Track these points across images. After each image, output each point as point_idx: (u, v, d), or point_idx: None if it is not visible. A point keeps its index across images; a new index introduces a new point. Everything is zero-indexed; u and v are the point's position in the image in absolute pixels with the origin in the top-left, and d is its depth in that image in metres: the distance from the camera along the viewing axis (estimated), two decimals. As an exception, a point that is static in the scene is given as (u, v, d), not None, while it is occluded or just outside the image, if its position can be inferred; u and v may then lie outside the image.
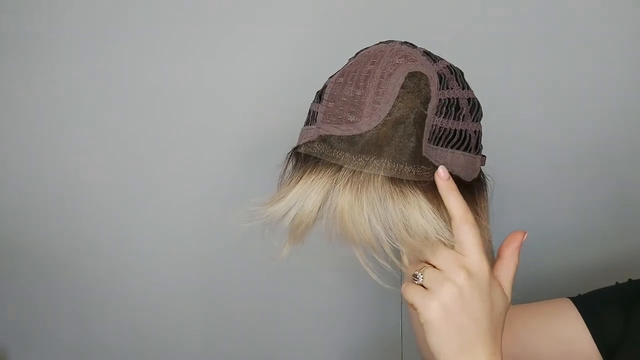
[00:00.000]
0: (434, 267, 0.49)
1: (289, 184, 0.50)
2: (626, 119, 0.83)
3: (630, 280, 0.65)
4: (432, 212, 0.48)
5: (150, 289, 0.94)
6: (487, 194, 0.54)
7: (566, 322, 0.62)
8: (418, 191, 0.48)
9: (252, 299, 0.95)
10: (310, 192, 0.48)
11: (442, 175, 0.47)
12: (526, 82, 0.81)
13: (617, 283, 0.66)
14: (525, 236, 0.51)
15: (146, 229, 0.89)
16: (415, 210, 0.47)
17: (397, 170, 0.46)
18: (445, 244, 0.48)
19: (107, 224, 0.88)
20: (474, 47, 0.79)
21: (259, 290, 0.94)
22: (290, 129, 0.57)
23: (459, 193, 0.48)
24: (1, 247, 0.90)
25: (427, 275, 0.49)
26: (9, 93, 0.80)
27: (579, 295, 0.66)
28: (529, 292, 0.90)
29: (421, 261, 0.50)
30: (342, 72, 0.51)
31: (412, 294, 0.50)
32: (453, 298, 0.47)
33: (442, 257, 0.48)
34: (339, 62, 0.54)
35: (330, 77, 0.53)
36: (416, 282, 0.50)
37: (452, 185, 0.47)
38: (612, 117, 0.83)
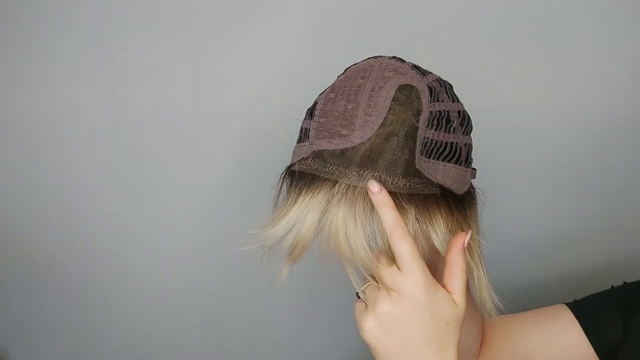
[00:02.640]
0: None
1: (286, 204, 0.50)
2: (625, 121, 0.84)
3: (625, 283, 0.65)
4: (420, 227, 0.48)
5: (151, 289, 0.94)
6: (477, 207, 0.54)
7: (564, 329, 0.62)
8: (411, 205, 0.48)
9: (253, 298, 0.95)
10: (308, 210, 0.48)
11: (373, 190, 0.46)
12: (525, 83, 0.81)
13: (612, 287, 0.66)
14: (468, 236, 0.48)
15: (147, 229, 0.89)
16: (409, 222, 0.48)
17: (391, 184, 0.46)
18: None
19: (107, 224, 0.88)
20: (472, 48, 0.79)
21: (260, 290, 0.93)
22: (290, 129, 0.57)
23: (393, 207, 0.46)
24: (1, 247, 0.89)
25: (368, 292, 0.49)
26: (10, 93, 0.80)
27: (575, 300, 0.66)
28: (525, 297, 0.91)
29: (370, 276, 0.50)
30: (332, 88, 0.51)
31: (355, 310, 0.50)
32: (386, 316, 0.47)
33: (381, 273, 0.48)
34: (339, 64, 0.55)
35: (320, 93, 0.53)
36: (361, 299, 0.50)
37: (384, 199, 0.46)
38: (611, 120, 0.83)
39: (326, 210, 0.48)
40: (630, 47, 0.80)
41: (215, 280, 0.94)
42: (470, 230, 0.49)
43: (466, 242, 0.48)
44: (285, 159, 0.55)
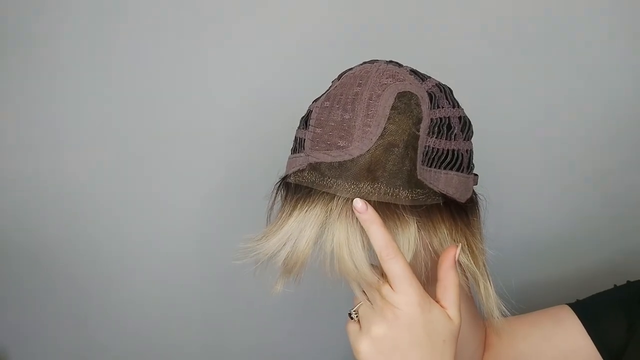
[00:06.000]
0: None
1: (281, 217, 0.48)
2: (625, 121, 0.83)
3: (628, 282, 0.65)
4: (423, 238, 0.47)
5: (150, 289, 0.93)
6: (480, 213, 0.52)
7: (567, 330, 0.61)
8: (413, 216, 0.46)
9: (253, 298, 0.94)
10: (305, 226, 0.46)
11: (358, 208, 0.44)
12: (524, 85, 0.81)
13: (615, 285, 0.66)
14: (459, 250, 0.48)
15: (146, 229, 0.89)
16: (411, 235, 0.46)
17: (393, 195, 0.45)
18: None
19: (107, 224, 0.88)
20: (471, 49, 0.78)
21: (260, 290, 0.93)
22: (287, 130, 0.55)
23: (381, 225, 0.45)
24: (1, 248, 0.89)
25: (360, 313, 0.48)
26: (9, 93, 0.79)
27: (577, 300, 0.65)
28: (526, 298, 0.90)
29: (363, 294, 0.48)
30: (328, 96, 0.49)
31: (348, 331, 0.49)
32: (381, 337, 0.46)
33: (373, 294, 0.47)
34: (338, 65, 0.53)
35: (314, 101, 0.51)
36: (353, 320, 0.49)
37: (370, 217, 0.44)
38: (612, 123, 0.83)
39: (325, 226, 0.46)
40: (631, 47, 0.79)
41: (214, 281, 0.93)
42: (461, 244, 0.48)
43: (457, 255, 0.47)
44: (282, 163, 0.53)
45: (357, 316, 0.48)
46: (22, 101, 0.79)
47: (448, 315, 0.47)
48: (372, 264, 0.47)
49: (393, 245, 0.45)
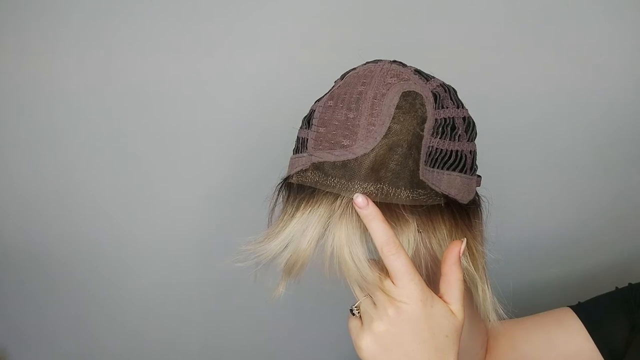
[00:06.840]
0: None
1: (283, 218, 0.48)
2: (626, 123, 0.83)
3: (630, 284, 0.65)
4: (422, 238, 0.47)
5: (150, 289, 0.94)
6: (482, 215, 0.52)
7: (569, 333, 0.61)
8: (413, 216, 0.46)
9: (253, 298, 0.94)
10: (307, 226, 0.46)
11: (359, 204, 0.44)
12: (526, 85, 0.81)
13: (616, 288, 0.66)
14: (463, 245, 0.47)
15: (146, 229, 0.88)
16: (410, 235, 0.46)
17: (394, 196, 0.44)
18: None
19: (107, 224, 0.88)
20: (473, 50, 0.78)
21: (260, 290, 0.94)
22: (288, 130, 0.55)
23: (382, 221, 0.44)
24: (1, 248, 0.89)
25: (362, 308, 0.47)
26: (9, 92, 0.79)
27: (579, 303, 0.65)
28: (528, 300, 0.90)
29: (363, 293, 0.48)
30: (331, 95, 0.49)
31: (350, 328, 0.48)
32: (383, 334, 0.45)
33: (375, 290, 0.46)
34: (339, 65, 0.53)
35: (317, 100, 0.50)
36: (355, 316, 0.48)
37: (372, 213, 0.44)
38: (612, 122, 0.83)
39: (327, 226, 0.46)
40: (632, 47, 0.79)
41: (214, 281, 0.93)
42: (466, 239, 0.48)
43: (462, 250, 0.47)
44: (283, 164, 0.53)
45: (358, 312, 0.48)
46: (22, 101, 0.79)
47: (451, 311, 0.46)
48: (372, 259, 0.46)
49: (395, 240, 0.44)
